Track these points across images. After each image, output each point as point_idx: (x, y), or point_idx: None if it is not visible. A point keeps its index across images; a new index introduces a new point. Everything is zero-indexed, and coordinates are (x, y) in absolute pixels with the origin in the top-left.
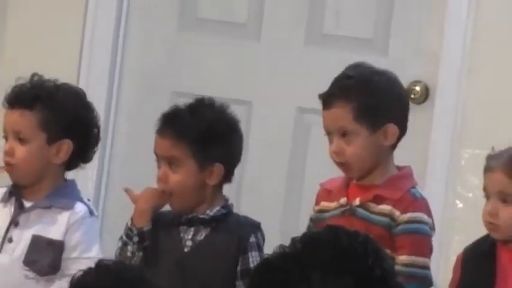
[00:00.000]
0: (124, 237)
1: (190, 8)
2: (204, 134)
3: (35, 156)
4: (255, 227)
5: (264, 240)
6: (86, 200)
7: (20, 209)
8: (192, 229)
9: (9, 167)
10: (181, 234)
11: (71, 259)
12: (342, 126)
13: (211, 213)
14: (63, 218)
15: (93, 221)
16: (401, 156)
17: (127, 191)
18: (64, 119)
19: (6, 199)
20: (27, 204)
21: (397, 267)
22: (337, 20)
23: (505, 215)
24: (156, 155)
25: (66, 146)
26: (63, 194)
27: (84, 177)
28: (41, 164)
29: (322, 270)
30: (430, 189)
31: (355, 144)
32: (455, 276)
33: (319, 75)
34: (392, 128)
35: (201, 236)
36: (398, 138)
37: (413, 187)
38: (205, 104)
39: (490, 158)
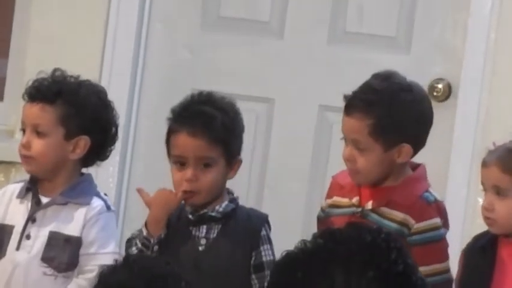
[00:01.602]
0: (139, 245)
1: (213, 6)
2: (232, 131)
3: (52, 150)
4: (263, 219)
5: (270, 231)
6: (102, 195)
7: (36, 205)
8: (204, 227)
9: (25, 159)
10: (194, 233)
11: (88, 255)
12: (356, 138)
13: (220, 209)
14: (80, 214)
15: (110, 216)
16: (424, 153)
17: (140, 192)
18: (84, 115)
19: (22, 195)
20: (44, 200)
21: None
22: (360, 18)
23: (501, 209)
24: (184, 156)
25: (83, 143)
26: (80, 190)
27: (105, 174)
28: (57, 158)
29: (345, 265)
30: (452, 186)
31: (367, 157)
32: (458, 271)
33: (342, 73)
34: (406, 149)
35: (214, 233)
36: (415, 154)
37: (427, 190)
38: (222, 100)
39: (488, 153)
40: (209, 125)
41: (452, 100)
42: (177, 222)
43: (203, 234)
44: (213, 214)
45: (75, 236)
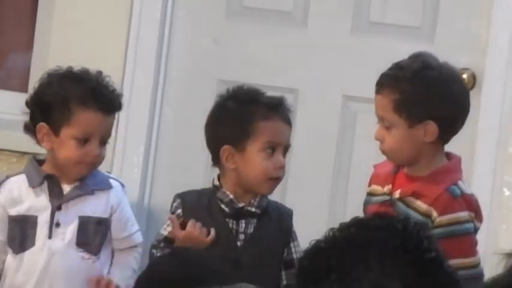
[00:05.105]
0: None
1: None
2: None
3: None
4: (291, 215)
5: None
6: (109, 174)
7: (59, 194)
8: (243, 221)
9: (94, 166)
10: (231, 226)
11: (123, 238)
12: (383, 116)
13: (256, 203)
14: (106, 196)
15: (125, 192)
16: (449, 143)
17: (172, 222)
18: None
19: (37, 184)
20: (65, 187)
21: None
22: (384, 7)
23: None
24: (278, 143)
25: None
26: (99, 176)
27: (130, 164)
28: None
29: (380, 252)
30: (478, 176)
31: (394, 134)
32: None
33: (366, 63)
34: (431, 126)
35: (251, 228)
36: (444, 136)
37: (455, 183)
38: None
39: None
40: (287, 114)
41: (476, 90)
42: (209, 212)
43: (242, 230)
44: (253, 210)
45: (105, 218)
